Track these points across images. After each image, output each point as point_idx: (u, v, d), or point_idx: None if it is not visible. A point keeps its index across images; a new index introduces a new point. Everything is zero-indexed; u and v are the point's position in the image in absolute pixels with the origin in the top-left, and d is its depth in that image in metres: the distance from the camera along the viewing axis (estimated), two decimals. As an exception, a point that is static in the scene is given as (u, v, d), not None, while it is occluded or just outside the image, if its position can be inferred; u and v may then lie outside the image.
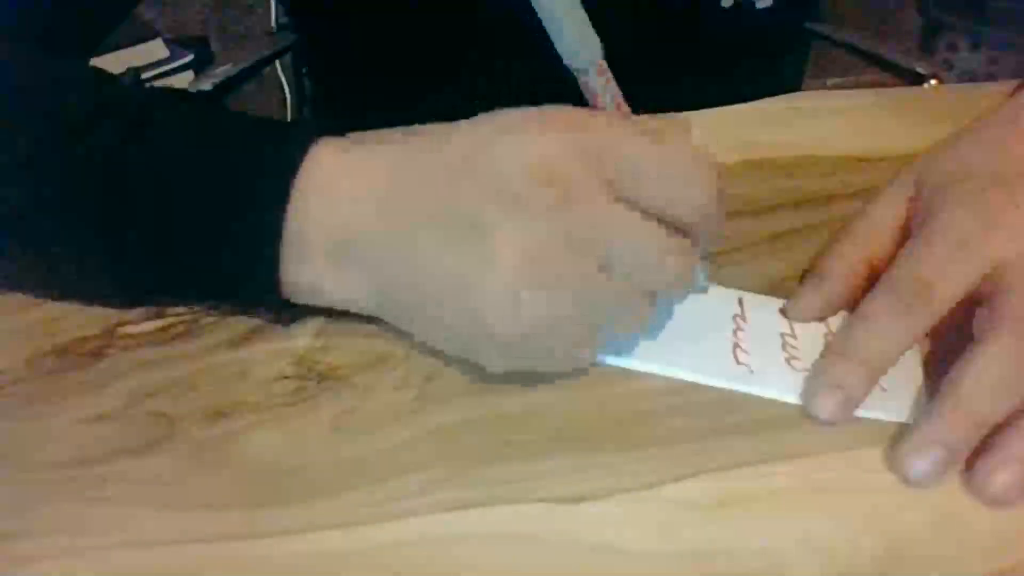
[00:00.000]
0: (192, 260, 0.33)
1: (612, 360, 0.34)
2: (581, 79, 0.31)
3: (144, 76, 1.44)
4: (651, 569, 0.27)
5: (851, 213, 0.38)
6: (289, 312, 0.34)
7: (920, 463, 0.29)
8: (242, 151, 0.32)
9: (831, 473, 0.30)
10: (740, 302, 0.37)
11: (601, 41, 0.31)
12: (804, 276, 0.37)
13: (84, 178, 0.32)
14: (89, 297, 0.36)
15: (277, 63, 1.42)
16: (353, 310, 0.33)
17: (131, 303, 0.36)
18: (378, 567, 0.27)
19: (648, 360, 0.34)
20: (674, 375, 0.33)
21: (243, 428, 0.31)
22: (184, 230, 0.32)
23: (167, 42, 1.50)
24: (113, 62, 1.38)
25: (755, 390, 0.33)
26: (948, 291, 0.31)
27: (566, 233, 0.28)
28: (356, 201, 0.31)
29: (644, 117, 0.34)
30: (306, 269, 0.32)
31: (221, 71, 0.86)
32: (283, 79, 1.58)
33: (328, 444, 0.31)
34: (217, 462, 0.30)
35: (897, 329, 0.31)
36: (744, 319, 0.36)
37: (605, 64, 0.31)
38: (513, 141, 0.29)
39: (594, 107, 0.32)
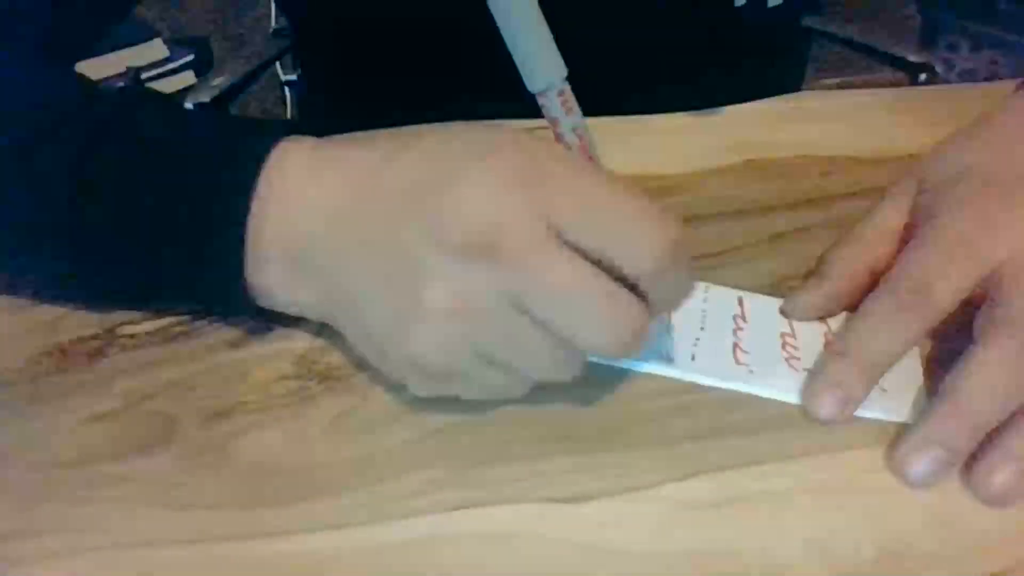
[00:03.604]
0: (159, 272, 0.33)
1: (612, 360, 0.34)
2: (541, 102, 0.30)
3: (144, 76, 1.44)
4: (651, 569, 0.27)
5: (851, 213, 0.38)
6: (267, 316, 0.34)
7: (920, 464, 0.29)
8: (200, 171, 0.32)
9: (831, 473, 0.30)
10: (740, 302, 0.37)
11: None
12: (806, 276, 0.37)
13: (46, 188, 0.32)
14: (68, 302, 0.36)
15: (277, 64, 1.42)
16: (307, 316, 0.34)
17: (111, 307, 0.36)
18: (378, 567, 0.27)
19: (648, 360, 0.34)
20: (674, 375, 0.33)
21: (243, 428, 0.31)
22: (147, 245, 0.32)
23: (167, 42, 1.50)
24: (113, 62, 1.38)
25: (755, 390, 0.33)
26: (948, 292, 0.31)
27: (498, 295, 0.28)
28: (309, 211, 0.31)
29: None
30: (266, 275, 0.32)
31: (220, 82, 0.86)
32: (283, 80, 1.58)
33: (328, 444, 0.31)
34: (217, 462, 0.30)
35: (897, 330, 0.32)
36: (744, 319, 0.36)
37: (568, 89, 0.30)
38: (466, 194, 0.28)
39: (554, 132, 0.31)
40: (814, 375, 0.32)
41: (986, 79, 1.55)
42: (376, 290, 0.30)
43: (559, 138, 0.31)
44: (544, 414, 0.32)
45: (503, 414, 0.32)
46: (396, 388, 0.33)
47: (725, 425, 0.32)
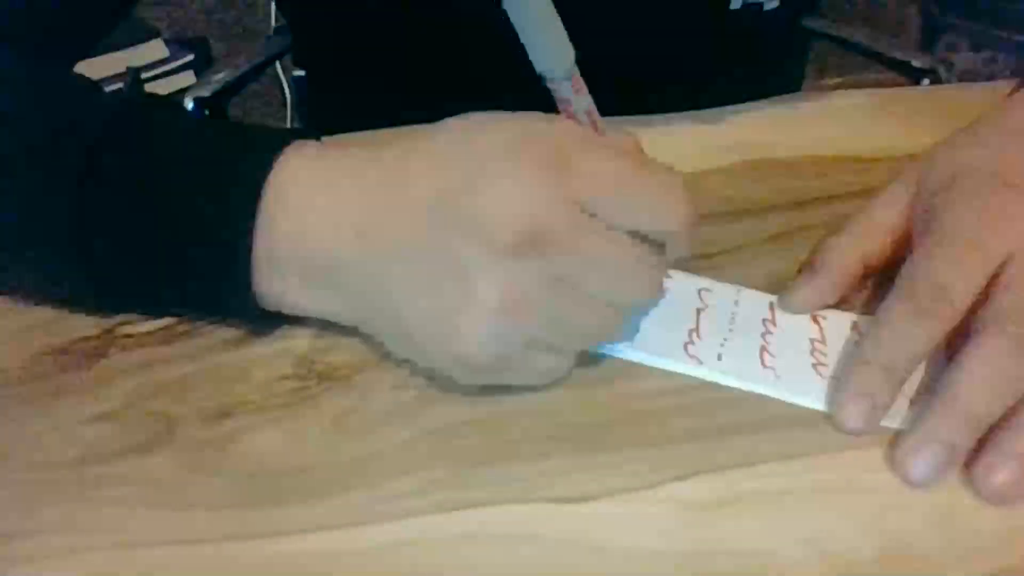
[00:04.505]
0: (165, 279, 0.33)
1: (639, 358, 0.34)
2: (552, 87, 0.31)
3: (144, 76, 1.44)
4: (651, 569, 0.27)
5: (851, 213, 0.38)
6: (273, 321, 0.34)
7: (920, 463, 0.29)
8: (205, 170, 0.32)
9: (831, 473, 0.30)
10: (771, 306, 0.36)
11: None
12: (800, 269, 0.37)
13: (48, 195, 0.32)
14: (70, 305, 0.36)
15: (277, 63, 1.43)
16: (332, 320, 0.34)
17: (115, 312, 0.36)
18: (378, 567, 0.27)
19: (675, 359, 0.34)
20: (699, 375, 0.33)
21: (243, 428, 0.31)
22: (148, 252, 0.32)
23: (167, 42, 1.50)
24: (113, 62, 1.38)
25: (780, 394, 0.32)
26: (964, 293, 0.31)
27: (549, 283, 0.29)
28: (332, 225, 0.31)
29: (621, 127, 0.33)
30: (280, 285, 0.32)
31: (220, 77, 0.86)
32: (283, 79, 1.58)
33: (328, 444, 0.31)
34: (217, 462, 0.30)
35: (919, 334, 0.31)
36: (774, 323, 0.36)
37: (578, 74, 0.31)
38: (494, 189, 0.29)
39: (565, 114, 0.31)
40: (839, 384, 0.32)
41: (986, 79, 1.55)
42: (417, 298, 0.30)
43: (571, 119, 0.31)
44: (544, 414, 0.32)
45: (503, 414, 0.32)
46: (396, 388, 0.33)
47: (725, 425, 0.32)
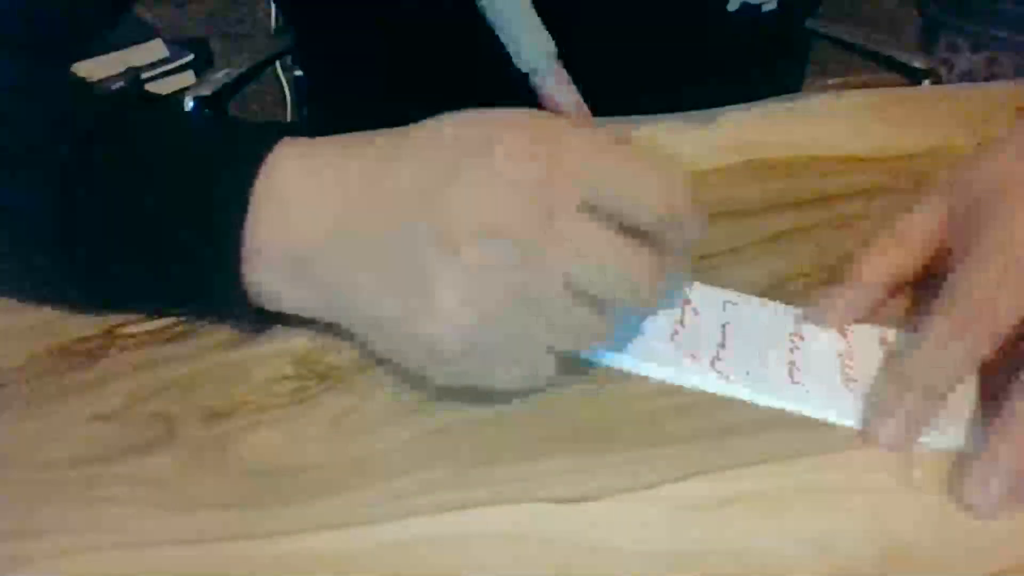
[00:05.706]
0: (154, 275, 0.33)
1: (665, 375, 0.33)
2: (533, 81, 0.31)
3: (144, 76, 1.44)
4: (651, 569, 0.27)
5: (851, 213, 0.38)
6: (267, 319, 0.34)
7: (985, 495, 0.28)
8: (196, 167, 0.32)
9: (831, 473, 0.30)
10: (797, 320, 0.35)
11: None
12: (828, 281, 0.36)
13: (39, 191, 0.32)
14: (64, 304, 0.36)
15: (277, 63, 1.42)
16: (309, 317, 0.34)
17: (107, 311, 0.36)
18: (378, 567, 0.27)
19: (703, 376, 0.33)
20: (729, 393, 0.33)
21: (243, 428, 0.31)
22: (141, 248, 0.32)
23: (167, 42, 1.50)
24: (113, 62, 1.38)
25: (811, 411, 0.32)
26: (1009, 312, 0.30)
27: (504, 285, 0.28)
28: (312, 218, 0.31)
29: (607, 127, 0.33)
30: (268, 277, 0.32)
31: (220, 77, 0.86)
32: (283, 79, 1.58)
33: (328, 444, 0.31)
34: (217, 462, 0.30)
35: (960, 353, 0.30)
36: (801, 337, 0.35)
37: (561, 67, 0.30)
38: (469, 189, 0.28)
39: (548, 109, 0.31)
40: (874, 400, 0.32)
41: (986, 79, 1.55)
42: (383, 294, 0.30)
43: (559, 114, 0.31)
44: (544, 414, 0.32)
45: (503, 414, 0.32)
46: (396, 388, 0.33)
47: (725, 425, 0.32)
